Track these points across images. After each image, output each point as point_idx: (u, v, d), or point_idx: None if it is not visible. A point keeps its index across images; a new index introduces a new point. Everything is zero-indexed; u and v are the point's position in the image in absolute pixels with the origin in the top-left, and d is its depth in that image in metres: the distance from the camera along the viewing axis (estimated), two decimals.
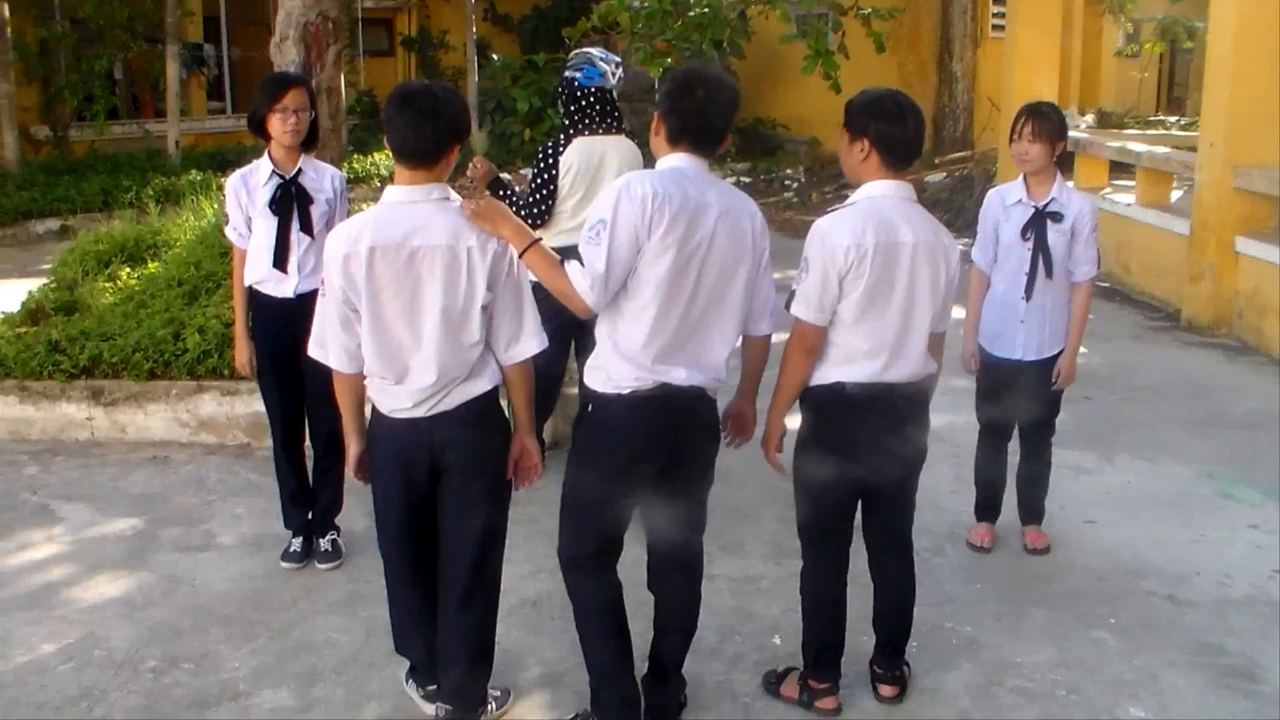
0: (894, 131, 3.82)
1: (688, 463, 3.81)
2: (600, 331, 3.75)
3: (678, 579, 3.99)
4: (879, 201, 3.83)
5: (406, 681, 4.15)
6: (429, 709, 4.02)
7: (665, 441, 3.72)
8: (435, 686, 3.97)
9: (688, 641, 4.06)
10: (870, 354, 3.83)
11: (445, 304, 3.56)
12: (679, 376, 3.66)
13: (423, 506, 3.79)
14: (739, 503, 5.69)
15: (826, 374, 3.90)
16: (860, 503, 4.11)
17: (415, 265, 3.53)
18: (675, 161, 3.68)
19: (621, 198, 3.53)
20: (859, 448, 3.92)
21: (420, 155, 3.56)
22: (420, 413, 3.64)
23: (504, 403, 3.85)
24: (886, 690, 4.20)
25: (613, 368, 3.68)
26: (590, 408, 3.79)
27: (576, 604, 3.90)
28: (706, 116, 3.66)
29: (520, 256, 3.64)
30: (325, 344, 3.70)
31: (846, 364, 3.87)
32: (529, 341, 3.76)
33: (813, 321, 3.82)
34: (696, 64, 3.85)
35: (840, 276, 3.75)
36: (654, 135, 3.77)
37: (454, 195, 3.66)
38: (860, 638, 4.30)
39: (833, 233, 3.77)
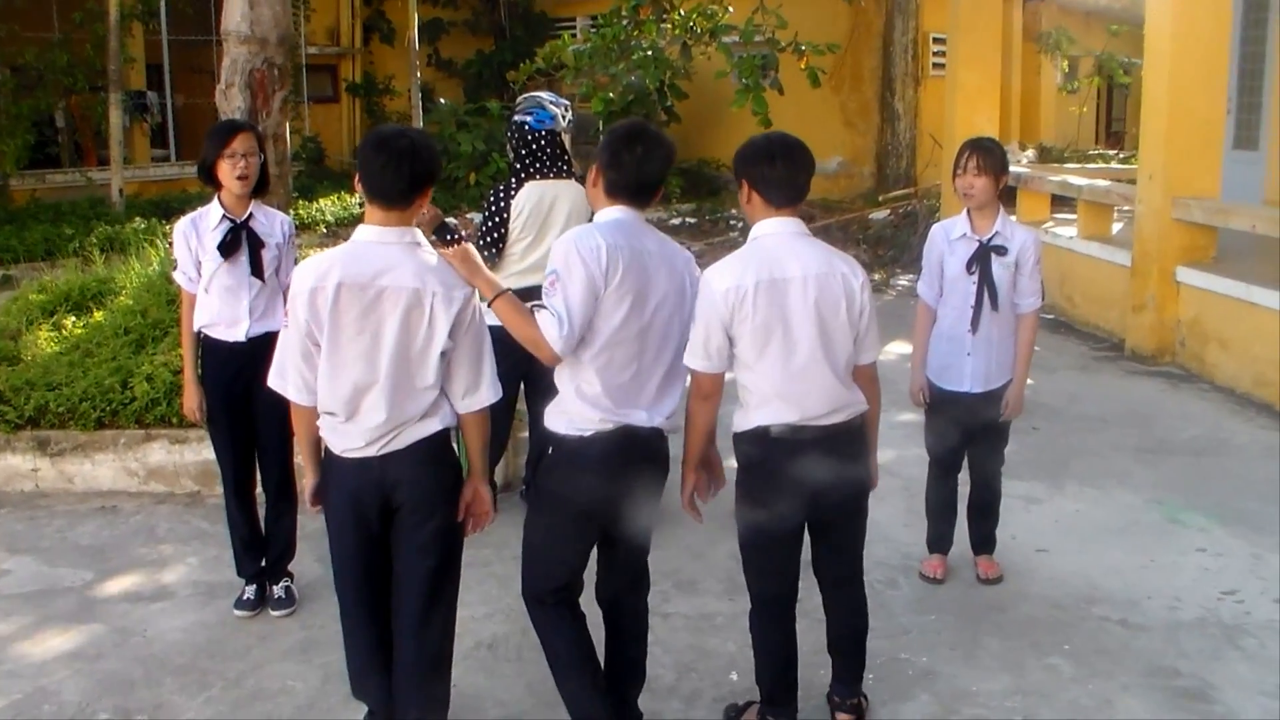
0: (764, 172, 3.92)
1: (642, 494, 3.87)
2: (561, 379, 3.82)
3: (626, 589, 4.08)
4: (764, 240, 3.91)
5: None
6: None
7: (626, 479, 3.80)
8: None
9: (641, 661, 4.11)
10: (780, 394, 3.85)
11: (404, 346, 3.60)
12: (640, 419, 3.77)
13: (376, 546, 3.79)
14: (692, 540, 5.69)
15: (748, 419, 3.94)
16: (809, 539, 4.14)
17: (380, 305, 3.58)
18: (615, 214, 3.82)
19: (573, 249, 3.65)
20: (792, 491, 3.94)
21: (394, 197, 3.65)
22: (371, 452, 3.65)
23: (456, 445, 3.86)
24: None
25: (575, 412, 3.77)
26: (553, 450, 3.88)
27: (545, 639, 3.96)
28: (644, 172, 3.82)
29: (489, 305, 3.71)
30: (285, 375, 3.72)
31: (763, 406, 3.90)
32: (485, 392, 3.78)
33: (702, 369, 3.85)
34: (636, 120, 3.99)
35: (724, 322, 3.80)
36: (591, 186, 3.91)
37: (424, 241, 3.73)
38: (819, 671, 4.32)
39: (712, 279, 3.84)
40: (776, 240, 3.90)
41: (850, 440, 4.00)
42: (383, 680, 3.91)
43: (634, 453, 3.80)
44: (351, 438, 3.66)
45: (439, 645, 3.87)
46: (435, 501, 3.76)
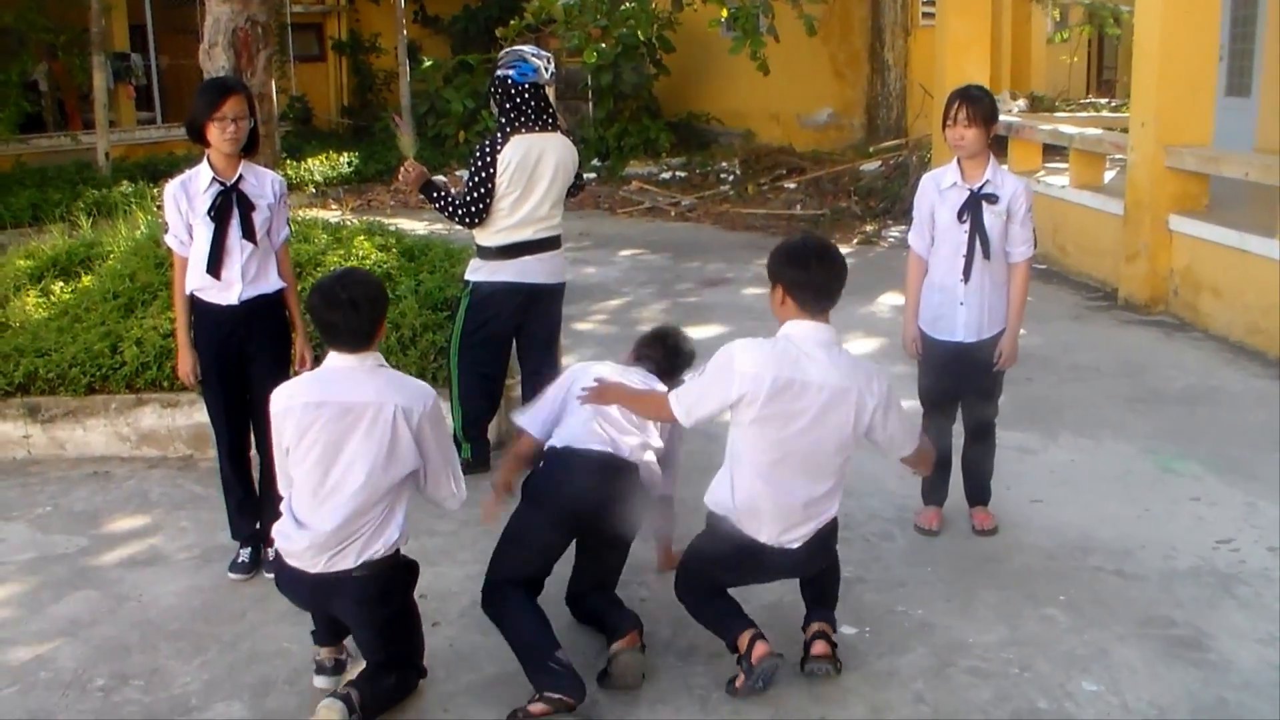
0: (802, 278, 4.05)
1: (622, 504, 4.30)
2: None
3: (593, 586, 4.53)
4: (795, 341, 4.03)
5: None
6: (319, 681, 4.26)
7: (607, 488, 4.28)
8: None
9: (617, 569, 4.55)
10: (754, 506, 4.06)
11: (368, 457, 3.84)
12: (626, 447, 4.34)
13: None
14: (685, 495, 5.67)
15: (721, 501, 4.15)
16: None
17: (343, 419, 3.84)
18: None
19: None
20: (758, 574, 4.32)
21: (355, 344, 3.92)
22: (318, 567, 3.88)
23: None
24: (820, 648, 4.21)
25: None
26: (543, 462, 4.41)
27: (498, 611, 4.23)
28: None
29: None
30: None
31: (737, 504, 4.08)
32: (461, 488, 4.16)
33: (678, 417, 4.12)
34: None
35: (726, 401, 4.00)
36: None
37: (385, 363, 4.03)
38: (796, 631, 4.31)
39: (738, 357, 3.99)
40: (805, 344, 4.02)
41: (822, 544, 4.21)
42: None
43: (609, 476, 4.29)
44: (298, 541, 3.88)
45: (405, 656, 4.17)
46: (373, 621, 4.02)
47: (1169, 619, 4.66)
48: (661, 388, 4.48)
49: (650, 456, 4.48)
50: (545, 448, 4.51)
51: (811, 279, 4.03)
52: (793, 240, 4.17)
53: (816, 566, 4.29)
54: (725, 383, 3.97)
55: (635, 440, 4.44)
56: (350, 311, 3.86)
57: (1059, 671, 4.30)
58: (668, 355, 4.89)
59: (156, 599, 4.97)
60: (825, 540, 4.20)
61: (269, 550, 5.20)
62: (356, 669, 4.17)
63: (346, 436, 3.83)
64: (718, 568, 4.25)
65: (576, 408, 4.49)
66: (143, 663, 4.47)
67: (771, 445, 4.00)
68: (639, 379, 4.61)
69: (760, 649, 4.06)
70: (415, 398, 3.92)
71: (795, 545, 4.09)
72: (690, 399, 4.07)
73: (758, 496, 4.04)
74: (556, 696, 3.86)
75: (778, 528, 4.06)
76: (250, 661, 4.46)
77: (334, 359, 3.95)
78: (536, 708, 3.87)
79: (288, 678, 4.33)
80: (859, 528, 5.46)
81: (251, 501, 5.23)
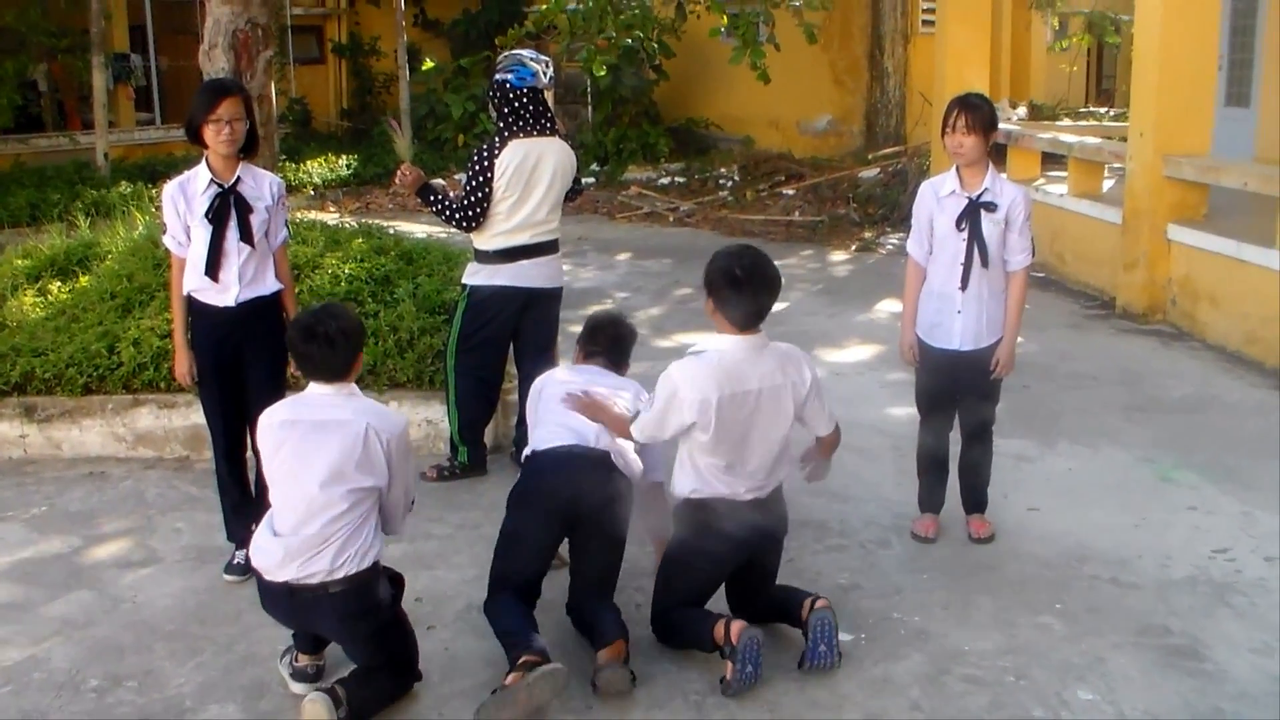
0: (729, 296, 4.20)
1: (603, 497, 4.38)
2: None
3: (593, 594, 4.48)
4: (726, 355, 4.21)
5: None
6: (297, 687, 4.23)
7: (584, 481, 4.36)
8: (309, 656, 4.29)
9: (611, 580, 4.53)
10: (724, 481, 4.28)
11: (338, 462, 3.93)
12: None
13: None
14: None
15: (691, 487, 4.33)
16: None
17: (315, 434, 3.96)
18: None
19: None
20: (727, 558, 4.39)
21: (332, 376, 4.04)
22: (291, 574, 3.92)
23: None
24: (822, 602, 4.32)
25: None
26: (520, 471, 4.62)
27: (490, 611, 4.35)
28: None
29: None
30: None
31: (707, 484, 4.30)
32: (407, 518, 4.31)
33: (641, 443, 4.46)
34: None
35: (683, 425, 4.21)
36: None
37: (358, 391, 4.14)
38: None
39: (682, 386, 4.18)
40: (739, 356, 4.20)
41: (775, 500, 4.45)
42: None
43: (582, 470, 4.38)
44: (273, 554, 3.94)
45: (399, 662, 4.20)
46: (356, 636, 4.06)
47: (1165, 628, 4.65)
48: (624, 385, 4.80)
49: (622, 441, 4.56)
50: (522, 456, 4.68)
51: (740, 302, 4.18)
52: (728, 256, 4.23)
53: (780, 528, 4.49)
54: (677, 411, 4.19)
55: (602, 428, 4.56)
56: (326, 347, 3.97)
57: (1055, 680, 4.29)
58: (611, 346, 5.08)
59: (151, 600, 4.96)
60: (778, 496, 4.46)
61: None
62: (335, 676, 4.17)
63: (318, 448, 3.93)
64: (698, 559, 4.37)
65: (544, 415, 4.66)
66: (137, 664, 4.45)
67: (725, 452, 4.23)
68: (598, 377, 4.81)
69: (737, 626, 4.15)
70: (388, 422, 4.05)
71: (764, 495, 4.36)
72: (650, 430, 4.31)
73: (719, 482, 4.27)
74: (523, 659, 3.96)
75: (747, 486, 4.32)
76: (245, 663, 4.45)
77: (312, 386, 4.07)
78: (511, 678, 3.94)
79: (282, 680, 4.32)
80: (856, 535, 5.45)
81: (247, 503, 5.21)
